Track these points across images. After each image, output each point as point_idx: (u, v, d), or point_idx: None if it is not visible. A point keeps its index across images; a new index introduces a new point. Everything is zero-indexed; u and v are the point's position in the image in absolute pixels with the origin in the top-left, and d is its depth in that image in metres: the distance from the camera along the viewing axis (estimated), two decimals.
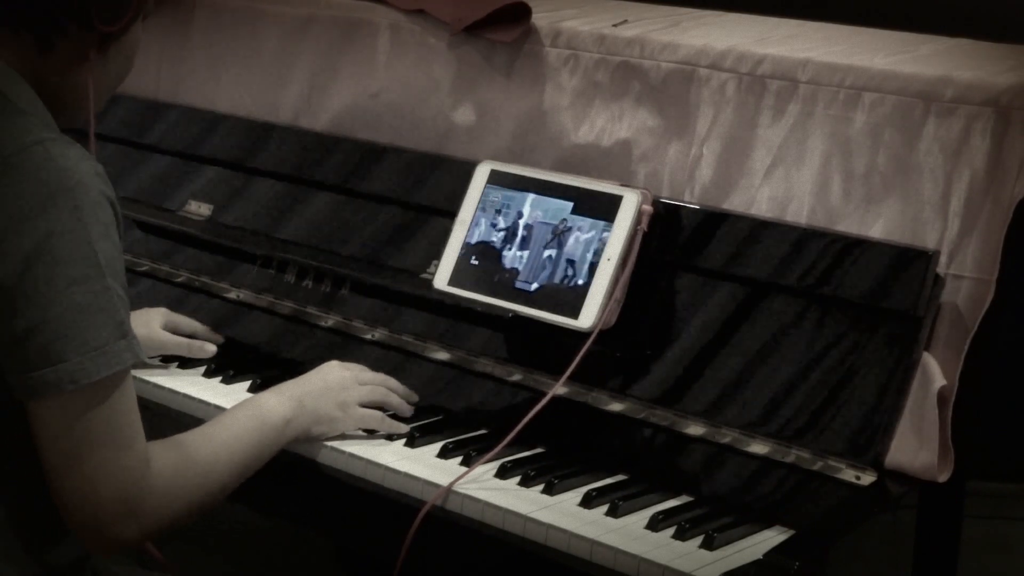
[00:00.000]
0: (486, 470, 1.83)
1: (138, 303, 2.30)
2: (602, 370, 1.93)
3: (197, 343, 2.13)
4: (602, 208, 1.95)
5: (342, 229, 2.27)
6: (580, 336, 1.91)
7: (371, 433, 1.92)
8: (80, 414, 1.50)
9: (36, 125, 1.54)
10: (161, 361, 2.15)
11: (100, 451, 1.51)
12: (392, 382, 1.99)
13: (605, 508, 1.75)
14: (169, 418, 2.07)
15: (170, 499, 1.58)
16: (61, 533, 1.61)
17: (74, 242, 1.48)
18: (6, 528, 1.56)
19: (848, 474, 1.75)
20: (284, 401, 1.82)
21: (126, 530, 1.55)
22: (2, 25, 1.57)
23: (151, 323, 2.12)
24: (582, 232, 1.96)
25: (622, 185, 1.98)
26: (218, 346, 2.19)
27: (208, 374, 2.12)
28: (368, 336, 2.14)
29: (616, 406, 1.92)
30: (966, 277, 1.83)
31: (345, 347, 2.15)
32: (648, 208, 1.94)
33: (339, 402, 1.89)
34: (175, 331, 2.16)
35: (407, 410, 1.97)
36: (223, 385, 2.08)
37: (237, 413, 1.79)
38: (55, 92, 1.60)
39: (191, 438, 1.68)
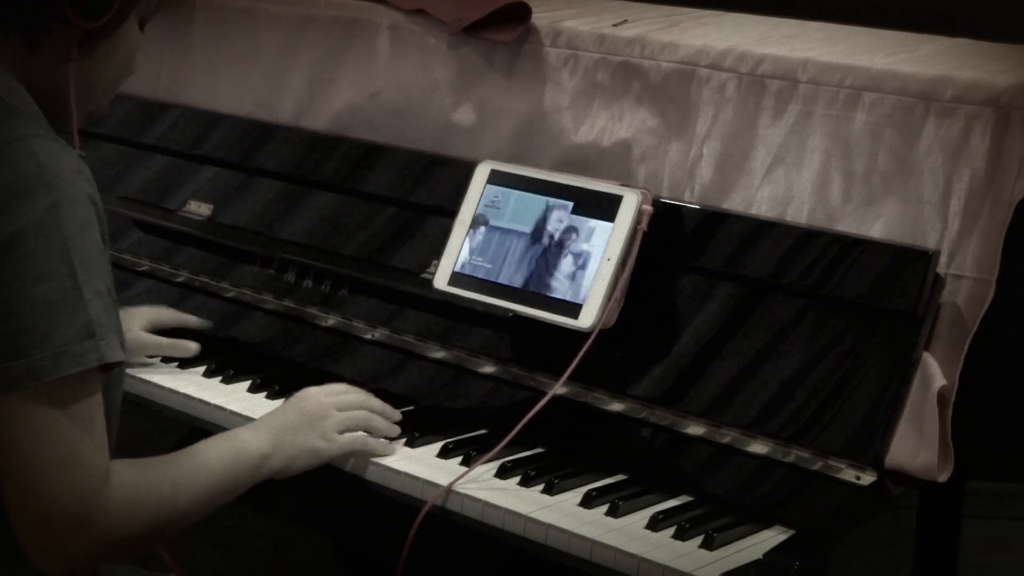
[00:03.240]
0: (486, 470, 1.83)
1: (138, 303, 2.30)
2: (602, 370, 1.93)
3: (181, 343, 2.11)
4: (602, 208, 1.95)
5: (342, 229, 2.27)
6: (580, 336, 1.91)
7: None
8: (39, 413, 1.46)
9: (23, 123, 1.53)
10: (161, 361, 2.15)
11: (56, 455, 1.46)
12: (374, 402, 1.92)
13: (605, 508, 1.75)
14: (169, 418, 2.07)
15: (125, 518, 1.52)
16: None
17: (46, 238, 1.46)
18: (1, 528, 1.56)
19: (848, 474, 1.75)
20: (262, 436, 1.76)
21: (75, 544, 1.49)
22: None
23: (131, 326, 2.09)
24: (582, 232, 1.96)
25: (622, 185, 1.98)
26: (218, 346, 2.19)
27: (208, 374, 2.12)
28: (368, 336, 2.14)
29: (616, 406, 1.92)
30: (966, 277, 1.83)
31: (345, 347, 2.15)
32: (648, 208, 1.94)
33: (320, 433, 1.82)
34: (162, 327, 2.14)
35: (392, 431, 1.91)
36: (223, 385, 2.08)
37: (211, 444, 1.72)
38: (47, 91, 1.59)
39: (157, 461, 1.62)
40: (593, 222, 1.95)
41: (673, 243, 1.97)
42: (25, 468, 1.47)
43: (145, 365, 2.12)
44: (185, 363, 2.15)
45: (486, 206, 2.05)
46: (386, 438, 1.89)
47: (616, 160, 2.14)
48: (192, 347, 2.12)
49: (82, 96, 1.61)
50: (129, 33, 1.64)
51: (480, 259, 2.02)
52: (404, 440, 1.91)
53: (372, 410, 1.90)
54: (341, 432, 1.84)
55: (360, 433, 1.87)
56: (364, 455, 1.86)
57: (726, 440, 1.83)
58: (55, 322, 1.46)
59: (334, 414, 1.84)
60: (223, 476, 1.67)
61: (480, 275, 2.02)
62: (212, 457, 1.68)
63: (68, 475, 1.47)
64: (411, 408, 2.01)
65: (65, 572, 1.54)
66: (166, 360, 2.15)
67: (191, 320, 2.20)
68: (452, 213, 2.08)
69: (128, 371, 2.07)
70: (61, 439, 1.47)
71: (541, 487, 1.80)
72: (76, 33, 1.57)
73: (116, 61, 1.65)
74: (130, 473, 1.54)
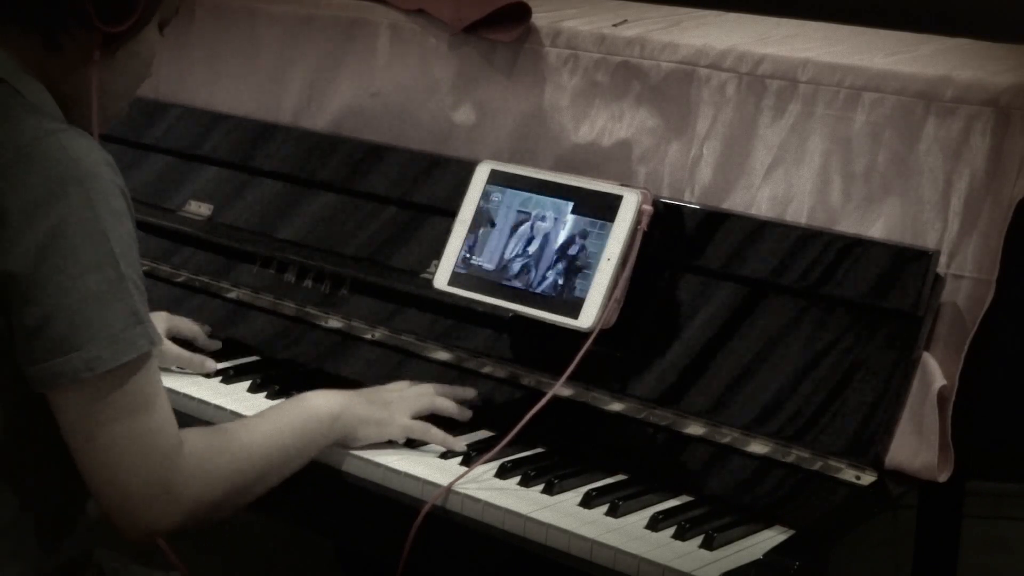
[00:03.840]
0: (486, 470, 1.83)
1: None
2: (602, 370, 1.93)
3: (199, 358, 2.12)
4: (602, 208, 1.95)
5: (342, 229, 2.27)
6: (580, 336, 1.91)
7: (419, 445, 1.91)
8: (101, 401, 1.50)
9: (48, 119, 1.54)
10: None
11: (125, 435, 1.51)
12: (441, 389, 1.97)
13: (605, 508, 1.75)
14: None
15: (205, 482, 1.59)
16: (66, 530, 1.62)
17: (86, 231, 1.49)
18: (10, 526, 1.57)
19: (848, 474, 1.75)
20: (332, 399, 1.84)
21: (164, 515, 1.55)
22: (10, 24, 1.57)
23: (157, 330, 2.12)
24: (582, 232, 1.96)
25: (622, 185, 1.98)
26: (218, 347, 2.20)
27: (208, 374, 2.12)
28: (368, 336, 2.14)
29: (616, 406, 1.92)
30: (966, 277, 1.83)
31: (345, 347, 2.15)
32: (648, 208, 1.93)
33: (388, 412, 1.89)
34: (177, 335, 2.15)
35: (463, 414, 1.95)
36: (223, 385, 2.09)
37: (283, 406, 1.81)
38: (66, 92, 1.60)
39: (230, 426, 1.71)
40: (593, 222, 1.95)
41: (673, 243, 1.97)
42: (100, 452, 1.52)
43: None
44: None
45: (486, 206, 2.05)
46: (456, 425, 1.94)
47: (616, 160, 2.14)
48: (211, 366, 2.12)
49: (101, 99, 1.62)
50: (150, 36, 1.65)
51: (480, 259, 2.02)
52: (404, 440, 1.92)
53: (441, 401, 1.95)
54: (409, 416, 1.90)
55: (422, 422, 1.90)
56: (423, 440, 1.90)
57: (726, 440, 1.83)
58: (105, 312, 1.49)
59: (401, 400, 1.91)
60: (295, 436, 1.75)
61: (480, 275, 2.02)
62: (283, 419, 1.77)
63: (141, 453, 1.53)
64: None
65: (155, 539, 1.62)
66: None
67: (200, 333, 2.20)
68: (452, 213, 2.08)
69: None
70: (129, 421, 1.52)
71: (541, 487, 1.80)
72: (98, 37, 1.58)
73: (136, 65, 1.66)
74: (203, 439, 1.61)
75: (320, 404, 1.82)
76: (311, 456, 1.78)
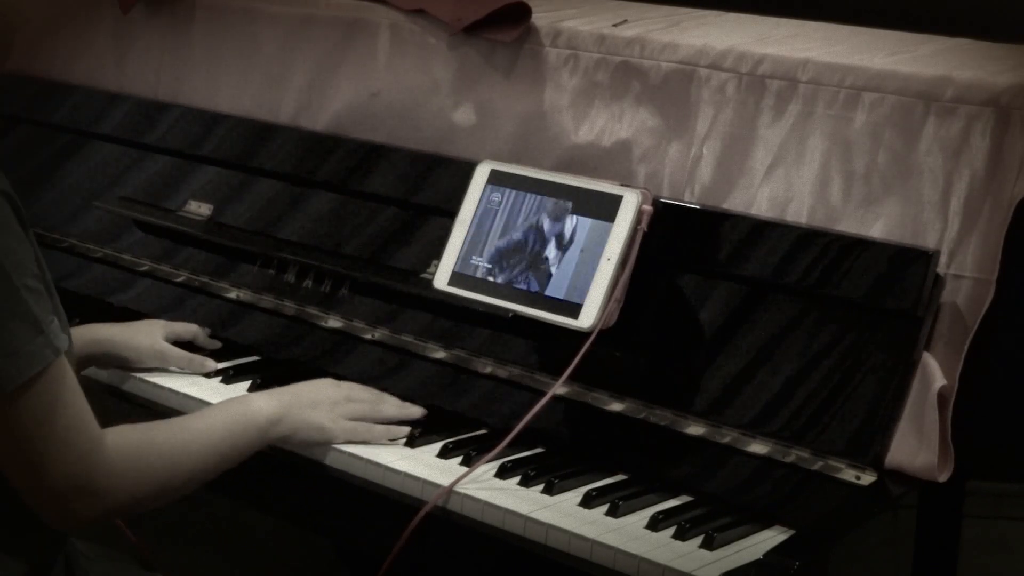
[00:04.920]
0: (486, 470, 1.83)
1: (138, 303, 2.31)
2: (602, 370, 1.93)
3: (199, 358, 2.12)
4: (602, 208, 1.95)
5: (342, 229, 2.27)
6: (580, 336, 1.91)
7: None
8: (16, 413, 1.50)
9: None
10: None
11: (42, 438, 1.52)
12: (387, 398, 1.97)
13: (605, 508, 1.75)
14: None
15: (130, 478, 1.59)
16: (25, 526, 1.62)
17: None
18: None
19: (848, 474, 1.75)
20: (272, 403, 1.83)
21: (85, 508, 1.56)
22: None
23: (154, 335, 2.12)
24: (582, 232, 1.96)
25: (622, 185, 1.98)
26: (218, 347, 2.20)
27: (208, 374, 2.12)
28: (368, 336, 2.14)
29: (616, 406, 1.92)
30: (966, 277, 1.83)
31: (345, 347, 2.15)
32: (648, 208, 1.93)
33: (329, 414, 1.88)
34: (177, 340, 2.15)
35: (405, 412, 1.96)
36: (223, 385, 2.08)
37: (220, 407, 1.80)
38: None
39: (161, 424, 1.70)
40: (593, 222, 1.95)
41: (673, 243, 1.97)
42: (20, 454, 1.53)
43: (157, 370, 2.12)
44: None
45: (486, 206, 2.05)
46: (404, 423, 1.94)
47: (616, 160, 2.14)
48: (210, 365, 2.12)
49: None
50: None
51: (480, 259, 2.02)
52: (404, 440, 1.92)
53: (384, 405, 1.95)
54: (350, 419, 1.89)
55: (365, 423, 1.90)
56: (366, 442, 1.89)
57: (726, 440, 1.83)
58: (3, 330, 1.47)
59: (345, 403, 1.91)
60: (228, 439, 1.74)
61: (480, 275, 2.02)
62: (219, 419, 1.76)
63: (59, 452, 1.53)
64: None
65: (83, 527, 1.61)
66: None
67: (200, 333, 2.20)
68: (452, 213, 2.08)
69: (129, 372, 2.09)
70: (45, 424, 1.52)
71: (541, 487, 1.80)
72: None
73: None
74: (131, 436, 1.61)
75: (260, 408, 1.81)
76: (246, 456, 1.78)
